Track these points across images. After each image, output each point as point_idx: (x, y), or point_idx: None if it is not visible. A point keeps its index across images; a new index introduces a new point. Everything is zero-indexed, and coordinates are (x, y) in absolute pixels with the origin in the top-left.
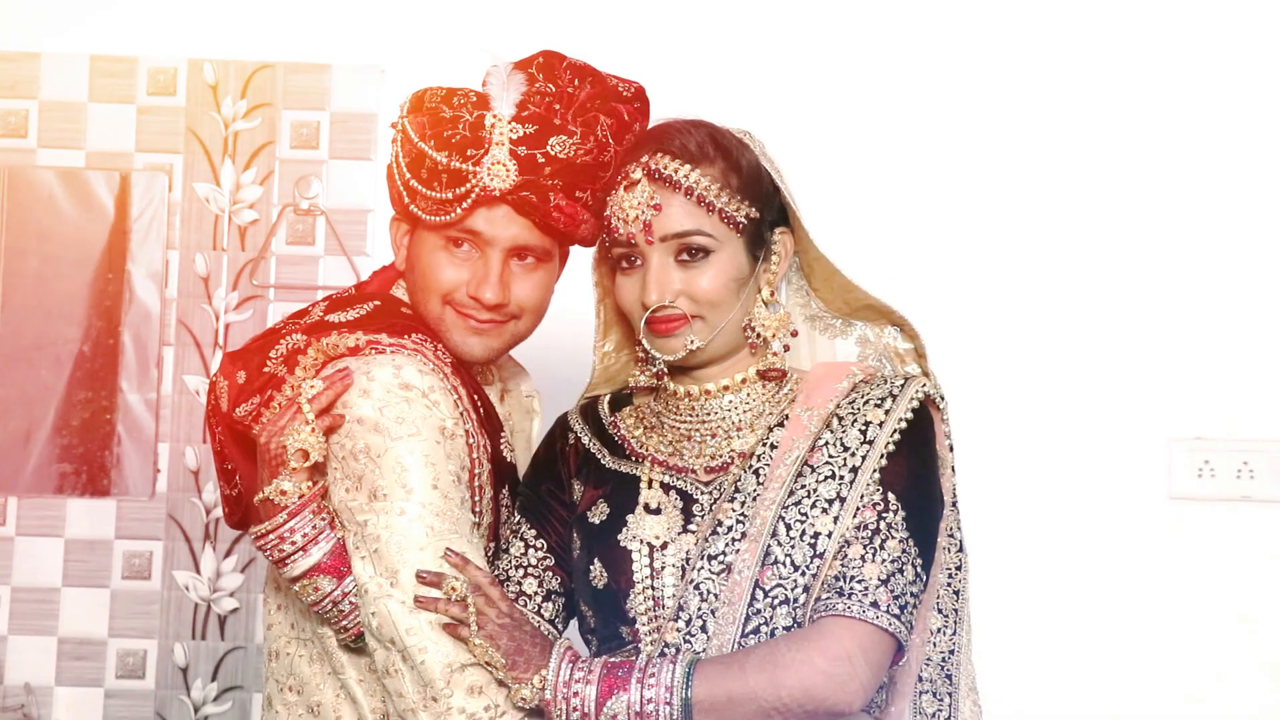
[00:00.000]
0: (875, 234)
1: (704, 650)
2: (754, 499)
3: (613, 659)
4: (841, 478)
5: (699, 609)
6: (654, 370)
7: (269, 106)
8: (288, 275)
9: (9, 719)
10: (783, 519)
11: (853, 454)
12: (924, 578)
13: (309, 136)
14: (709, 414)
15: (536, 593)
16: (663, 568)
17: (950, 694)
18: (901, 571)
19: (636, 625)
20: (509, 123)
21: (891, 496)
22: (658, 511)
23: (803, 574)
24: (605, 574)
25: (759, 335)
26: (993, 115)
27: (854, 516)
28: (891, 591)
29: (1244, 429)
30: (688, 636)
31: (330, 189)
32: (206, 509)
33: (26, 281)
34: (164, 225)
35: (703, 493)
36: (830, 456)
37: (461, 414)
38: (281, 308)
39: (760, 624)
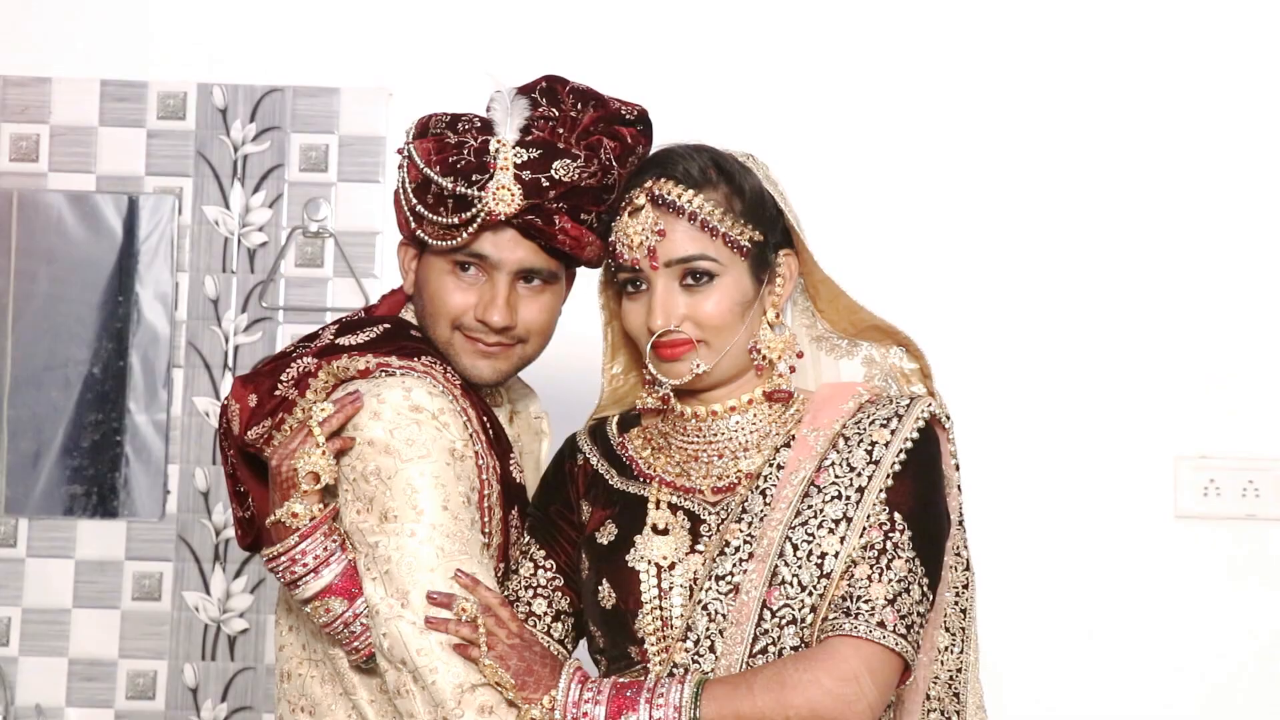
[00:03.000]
0: (880, 255)
1: (712, 670)
2: (761, 519)
3: (621, 679)
4: (848, 498)
5: (707, 629)
6: (660, 393)
7: (278, 130)
8: (297, 297)
9: None
10: (789, 539)
11: (859, 474)
12: (930, 597)
13: (317, 159)
14: (716, 435)
15: (546, 613)
16: (670, 588)
17: (958, 712)
18: (908, 591)
19: (645, 645)
20: (513, 147)
21: (898, 516)
22: (665, 532)
23: (810, 594)
24: (613, 594)
25: (764, 357)
26: (996, 135)
27: (860, 537)
28: (898, 611)
29: (1249, 447)
30: (696, 657)
31: (339, 211)
32: (216, 530)
33: (36, 303)
34: (171, 248)
35: (710, 513)
36: (836, 477)
37: (471, 436)
38: (290, 330)
39: (768, 644)
